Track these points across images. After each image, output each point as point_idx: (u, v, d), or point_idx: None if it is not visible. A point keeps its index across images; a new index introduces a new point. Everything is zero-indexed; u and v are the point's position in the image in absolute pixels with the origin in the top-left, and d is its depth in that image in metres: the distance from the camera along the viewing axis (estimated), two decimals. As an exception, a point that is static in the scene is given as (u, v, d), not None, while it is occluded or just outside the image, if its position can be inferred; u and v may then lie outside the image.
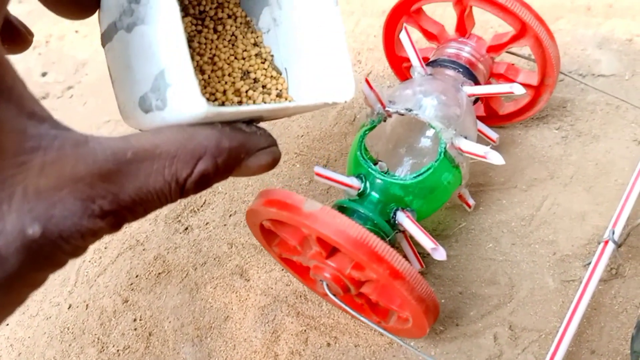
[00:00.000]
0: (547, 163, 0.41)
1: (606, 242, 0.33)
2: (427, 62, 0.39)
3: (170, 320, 0.37)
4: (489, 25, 0.49)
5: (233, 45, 0.27)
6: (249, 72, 0.27)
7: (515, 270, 0.36)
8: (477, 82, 0.38)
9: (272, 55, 0.28)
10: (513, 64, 0.41)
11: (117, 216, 0.19)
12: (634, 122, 0.42)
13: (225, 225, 0.41)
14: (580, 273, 0.35)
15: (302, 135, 0.46)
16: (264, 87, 0.28)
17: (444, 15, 0.50)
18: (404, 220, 0.31)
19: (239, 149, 0.22)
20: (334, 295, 0.31)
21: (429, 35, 0.41)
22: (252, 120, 0.24)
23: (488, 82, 0.40)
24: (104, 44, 0.24)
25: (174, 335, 0.36)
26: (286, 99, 0.28)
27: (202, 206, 0.43)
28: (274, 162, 0.23)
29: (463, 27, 0.39)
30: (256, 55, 0.28)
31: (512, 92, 0.34)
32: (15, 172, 0.17)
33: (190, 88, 0.20)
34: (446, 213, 0.39)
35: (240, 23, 0.28)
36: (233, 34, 0.28)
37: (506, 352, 0.33)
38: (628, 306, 0.34)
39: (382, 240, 0.27)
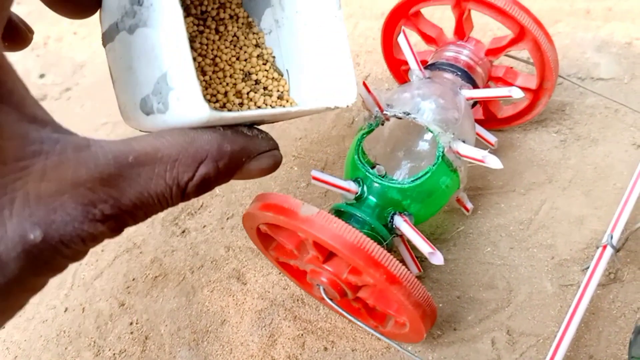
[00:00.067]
0: (545, 167, 0.40)
1: (604, 247, 0.33)
2: (426, 66, 0.39)
3: (166, 323, 0.37)
4: (487, 28, 0.49)
5: (235, 46, 0.27)
6: (250, 74, 0.27)
7: (514, 275, 0.36)
8: (475, 86, 0.37)
9: (273, 57, 0.28)
10: (512, 68, 0.40)
11: (118, 220, 0.19)
12: (632, 126, 0.42)
13: (222, 228, 0.41)
14: (579, 277, 0.35)
15: (300, 138, 0.46)
16: (265, 88, 0.28)
17: (443, 18, 0.50)
18: (402, 224, 0.31)
19: (241, 152, 0.22)
20: (331, 299, 0.31)
21: (428, 39, 0.41)
22: (253, 123, 0.24)
23: (487, 86, 0.40)
24: (104, 44, 0.24)
25: (170, 339, 0.36)
26: (287, 101, 0.28)
27: (199, 209, 0.42)
28: (275, 166, 0.23)
29: (462, 31, 0.39)
30: (258, 56, 0.28)
31: (511, 96, 0.34)
32: (17, 177, 0.17)
33: (193, 93, 0.20)
34: (444, 217, 0.39)
35: (242, 24, 0.28)
36: (235, 35, 0.27)
37: (504, 357, 0.33)
38: (626, 311, 0.33)
39: (380, 245, 0.27)
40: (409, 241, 0.33)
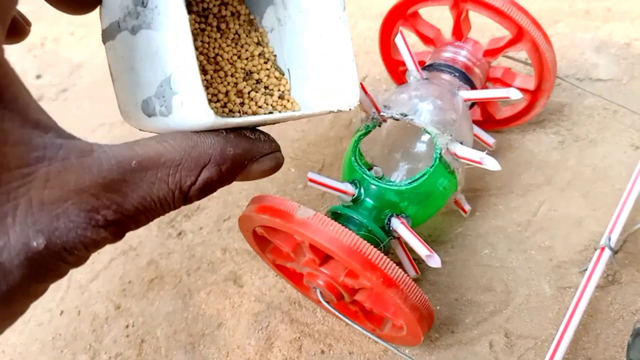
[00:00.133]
0: (544, 168, 0.40)
1: (602, 249, 0.33)
2: (423, 66, 0.38)
3: (162, 326, 0.37)
4: (486, 29, 0.49)
5: (236, 44, 0.27)
6: (251, 72, 0.27)
7: (512, 277, 0.36)
8: (473, 87, 0.37)
9: (274, 55, 0.28)
10: (510, 68, 0.40)
11: (121, 226, 0.19)
12: (631, 127, 0.41)
13: (219, 230, 0.41)
14: (577, 279, 0.35)
15: (298, 139, 0.45)
16: (266, 87, 0.27)
17: (441, 18, 0.50)
18: (399, 226, 0.31)
19: (243, 155, 0.22)
20: (328, 302, 0.31)
21: (425, 39, 0.41)
22: (256, 126, 0.24)
23: (484, 87, 0.40)
24: (104, 41, 0.24)
25: (166, 342, 0.36)
26: (288, 101, 0.27)
27: (195, 211, 0.42)
28: (276, 167, 0.24)
29: (459, 31, 0.38)
30: (259, 55, 0.27)
31: (509, 97, 0.34)
32: (20, 183, 0.17)
33: (198, 99, 0.20)
34: (442, 219, 0.39)
35: (244, 21, 0.28)
36: (236, 32, 0.27)
37: (502, 360, 0.32)
38: (624, 313, 0.33)
39: (377, 247, 0.27)
40: (406, 243, 0.32)
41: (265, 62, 0.28)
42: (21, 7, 0.21)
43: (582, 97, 0.44)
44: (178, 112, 0.21)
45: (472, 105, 0.38)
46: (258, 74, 0.27)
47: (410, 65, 0.36)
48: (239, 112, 0.26)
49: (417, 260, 0.35)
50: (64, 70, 0.57)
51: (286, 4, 0.27)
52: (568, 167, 0.40)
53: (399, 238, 0.33)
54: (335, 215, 0.32)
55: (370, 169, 0.33)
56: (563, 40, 0.48)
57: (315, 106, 0.26)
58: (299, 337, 0.35)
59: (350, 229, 0.27)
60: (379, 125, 0.34)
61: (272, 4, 0.28)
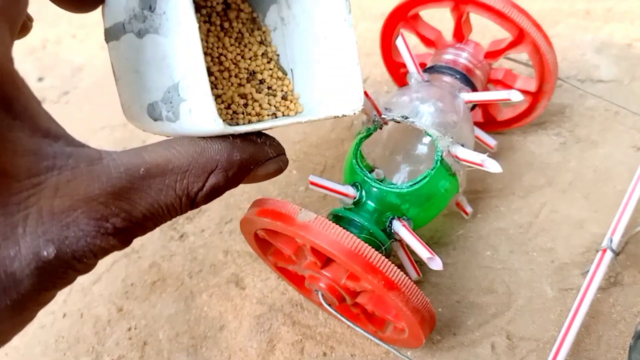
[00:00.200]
0: (545, 169, 0.40)
1: (604, 250, 0.33)
2: (424, 68, 0.38)
3: (165, 329, 0.37)
4: (487, 31, 0.49)
5: (239, 43, 0.27)
6: (254, 73, 0.27)
7: (513, 279, 0.36)
8: (474, 89, 0.37)
9: (277, 55, 0.28)
10: (511, 70, 0.40)
11: (129, 233, 0.19)
12: (633, 128, 0.41)
13: (220, 232, 0.41)
14: (579, 281, 0.35)
15: (299, 141, 0.45)
16: (269, 88, 0.27)
17: (442, 20, 0.50)
18: (400, 229, 0.31)
19: (249, 160, 0.22)
20: (330, 305, 0.31)
21: (426, 41, 0.41)
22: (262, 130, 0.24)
23: (486, 89, 0.40)
24: (107, 40, 0.24)
25: (168, 345, 0.36)
26: (291, 102, 0.27)
27: (197, 213, 0.42)
28: (281, 170, 0.24)
29: (460, 33, 0.38)
30: (262, 54, 0.27)
31: (510, 99, 0.34)
32: (30, 193, 0.17)
33: (207, 107, 0.20)
34: (443, 221, 0.39)
35: (246, 19, 0.27)
36: (239, 31, 0.27)
37: (504, 362, 0.32)
38: (626, 315, 0.33)
39: (378, 250, 0.27)
40: (407, 246, 0.32)
41: (269, 62, 0.27)
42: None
43: (584, 98, 0.44)
44: (186, 119, 0.21)
45: (473, 107, 0.38)
46: (261, 74, 0.27)
47: (411, 67, 0.36)
48: (243, 113, 0.25)
49: (419, 263, 0.35)
50: (66, 72, 0.57)
51: (290, 3, 0.27)
52: (569, 169, 0.40)
53: (400, 240, 0.33)
54: (337, 218, 0.32)
55: (371, 171, 0.33)
56: (564, 42, 0.48)
57: (318, 109, 0.26)
58: (301, 340, 0.35)
59: (351, 232, 0.27)
60: (380, 128, 0.34)
61: (276, 3, 0.27)
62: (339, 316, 0.31)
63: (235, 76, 0.26)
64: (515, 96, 0.34)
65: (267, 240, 0.32)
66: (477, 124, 0.40)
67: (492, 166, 0.31)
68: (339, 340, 0.35)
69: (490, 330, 0.34)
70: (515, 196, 0.39)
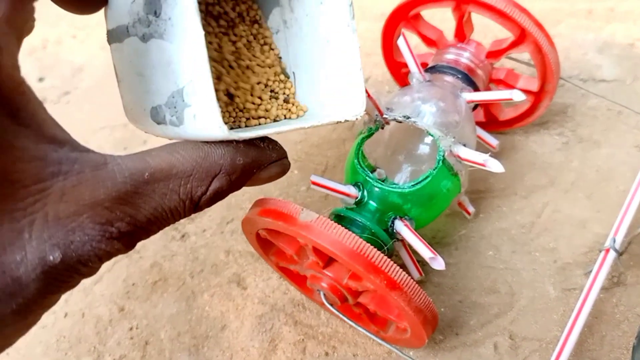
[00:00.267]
0: (547, 169, 0.40)
1: (607, 250, 0.33)
2: (426, 68, 0.38)
3: (166, 329, 0.37)
4: (488, 30, 0.49)
5: (247, 49, 0.27)
6: (259, 75, 0.27)
7: (516, 279, 0.36)
8: (476, 88, 0.37)
9: (280, 58, 0.28)
10: (513, 70, 0.40)
11: (133, 236, 0.19)
12: (635, 128, 0.41)
13: (222, 232, 0.41)
14: (582, 281, 0.35)
15: (301, 141, 0.45)
16: (272, 91, 0.27)
17: (443, 20, 0.50)
18: (402, 229, 0.31)
19: (252, 164, 0.22)
20: (332, 305, 0.31)
21: (428, 41, 0.41)
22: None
23: (487, 88, 0.40)
24: (110, 42, 0.24)
25: (170, 344, 0.36)
26: (293, 104, 0.27)
27: (199, 213, 0.42)
28: (283, 173, 0.24)
29: (462, 33, 0.38)
30: (266, 57, 0.27)
31: (512, 99, 0.34)
32: (36, 199, 0.17)
33: (212, 113, 0.20)
34: (445, 220, 0.39)
35: (250, 21, 0.27)
36: (245, 34, 0.27)
37: (506, 362, 0.32)
38: (630, 315, 0.33)
39: (380, 250, 0.27)
40: (409, 246, 0.32)
41: (271, 67, 0.27)
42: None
43: (586, 98, 0.43)
44: (190, 124, 0.21)
45: (475, 107, 0.38)
46: (264, 76, 0.27)
47: (412, 67, 0.36)
48: (247, 117, 0.25)
49: (421, 263, 0.35)
50: (66, 72, 0.57)
51: (293, 7, 0.27)
52: (572, 169, 0.40)
53: (402, 240, 0.33)
54: (339, 218, 0.32)
55: (373, 171, 0.33)
56: (566, 41, 0.48)
57: (320, 113, 0.26)
58: (302, 339, 0.35)
59: (353, 232, 0.27)
60: (382, 128, 0.34)
61: (279, 6, 0.27)
62: (341, 316, 0.31)
63: (242, 81, 0.26)
64: (517, 96, 0.34)
65: (268, 240, 0.32)
66: (479, 123, 0.40)
67: (494, 166, 0.31)
68: (341, 340, 0.35)
69: (493, 330, 0.34)
70: (517, 196, 0.39)
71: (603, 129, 0.42)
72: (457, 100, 0.35)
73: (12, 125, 0.16)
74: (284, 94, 0.27)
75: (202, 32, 0.19)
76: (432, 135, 0.32)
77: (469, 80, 0.37)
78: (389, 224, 0.31)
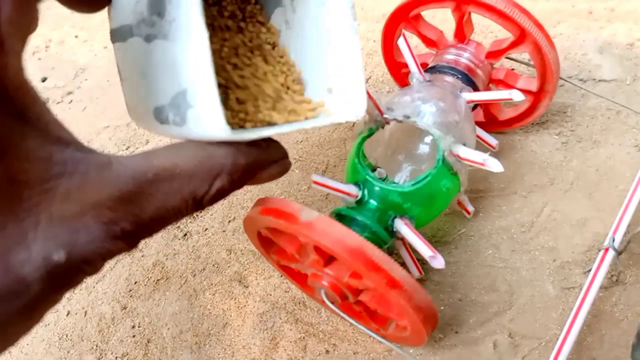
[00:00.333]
0: (547, 169, 0.40)
1: (606, 249, 0.33)
2: (426, 69, 0.39)
3: (168, 327, 0.37)
4: (488, 30, 0.49)
5: (252, 52, 0.27)
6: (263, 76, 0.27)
7: (515, 277, 0.36)
8: (476, 88, 0.37)
9: (289, 57, 0.28)
10: (512, 70, 0.40)
11: (136, 235, 0.20)
12: (635, 128, 0.41)
13: (224, 231, 0.41)
14: (581, 280, 0.35)
15: (302, 141, 0.46)
16: (281, 88, 0.27)
17: (444, 20, 0.50)
18: (402, 227, 0.31)
19: (254, 164, 0.22)
20: (332, 302, 0.31)
21: (428, 41, 0.41)
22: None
23: (487, 88, 0.40)
24: (113, 41, 0.24)
25: (172, 342, 0.36)
26: (302, 104, 0.27)
27: (201, 212, 0.43)
28: (284, 172, 0.24)
29: (462, 33, 0.39)
30: (273, 57, 0.27)
31: (512, 99, 0.34)
32: (41, 199, 0.17)
33: (215, 115, 0.20)
34: (445, 219, 0.39)
35: (257, 21, 0.27)
36: (250, 33, 0.27)
37: (506, 360, 0.33)
38: (629, 313, 0.33)
39: (380, 248, 0.27)
40: (409, 244, 0.33)
41: (277, 66, 0.28)
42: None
43: (586, 98, 0.44)
44: (193, 125, 0.21)
45: (474, 107, 0.39)
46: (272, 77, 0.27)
47: (413, 67, 0.37)
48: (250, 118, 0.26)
49: (421, 261, 0.35)
50: (69, 73, 0.58)
51: (295, 8, 0.27)
52: (571, 168, 0.40)
53: (402, 239, 0.33)
54: (339, 217, 0.32)
55: (373, 170, 0.33)
56: (566, 41, 0.48)
57: (320, 114, 0.26)
58: (303, 337, 0.35)
59: (354, 230, 0.27)
60: (382, 127, 0.34)
61: (281, 6, 0.27)
62: (341, 314, 0.31)
63: (250, 82, 0.26)
64: (517, 96, 0.34)
65: (270, 238, 0.32)
66: (478, 123, 0.40)
67: (493, 165, 0.31)
68: (342, 338, 0.35)
69: (493, 328, 0.34)
70: (517, 195, 0.39)
71: (602, 129, 0.42)
72: (457, 100, 0.35)
73: (18, 126, 0.17)
74: (290, 92, 0.27)
75: (207, 34, 0.19)
76: (432, 135, 0.33)
77: (469, 80, 0.37)
78: (389, 222, 0.32)
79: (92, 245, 0.18)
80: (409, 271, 0.33)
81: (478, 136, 0.37)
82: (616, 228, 0.34)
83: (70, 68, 0.58)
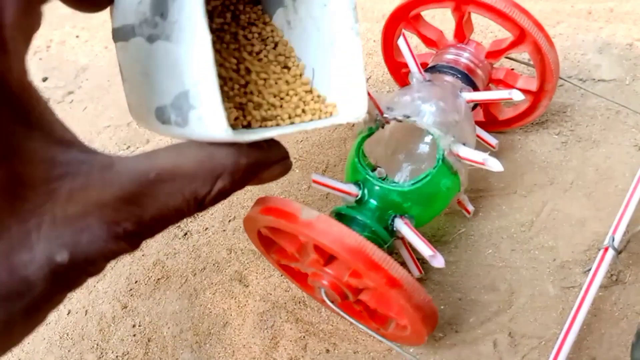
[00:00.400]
0: (547, 169, 0.40)
1: (606, 249, 0.33)
2: (426, 68, 0.39)
3: (169, 326, 0.37)
4: (488, 30, 0.49)
5: (257, 53, 0.27)
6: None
7: (515, 277, 0.36)
8: (475, 88, 0.37)
9: (295, 58, 0.28)
10: (512, 70, 0.40)
11: (139, 236, 0.20)
12: (634, 128, 0.41)
13: (224, 230, 0.41)
14: (581, 279, 0.35)
15: (302, 141, 0.46)
16: (287, 92, 0.27)
17: (443, 20, 0.50)
18: (402, 227, 0.31)
19: (255, 164, 0.23)
20: (332, 302, 0.31)
21: (428, 41, 0.41)
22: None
23: (487, 88, 0.40)
24: (115, 40, 0.24)
25: (173, 342, 0.36)
26: (308, 105, 0.27)
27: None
28: (285, 172, 0.24)
29: (462, 33, 0.39)
30: (278, 56, 0.27)
31: (511, 98, 0.34)
32: (44, 200, 0.17)
33: (217, 116, 0.20)
34: (445, 219, 0.39)
35: (263, 23, 0.27)
36: (253, 34, 0.27)
37: (506, 359, 0.33)
38: (628, 313, 0.33)
39: (380, 248, 0.27)
40: (409, 244, 0.33)
41: (284, 67, 0.28)
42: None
43: (585, 97, 0.44)
44: (195, 126, 0.21)
45: (474, 107, 0.39)
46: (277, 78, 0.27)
47: (412, 67, 0.37)
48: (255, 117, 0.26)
49: (421, 261, 0.35)
50: (70, 73, 0.58)
51: (297, 8, 0.27)
52: (571, 168, 0.40)
53: (402, 238, 0.33)
54: (339, 216, 0.32)
55: (373, 170, 0.33)
56: (565, 41, 0.48)
57: (326, 120, 0.26)
58: (304, 337, 0.35)
59: (354, 230, 0.27)
60: (382, 127, 0.34)
61: (283, 6, 0.27)
62: (341, 313, 0.31)
63: (255, 83, 0.26)
64: (517, 95, 0.34)
65: (270, 238, 0.32)
66: (478, 123, 0.40)
67: (493, 165, 0.31)
68: (342, 337, 0.35)
69: (492, 327, 0.34)
70: (516, 195, 0.40)
71: (602, 129, 0.42)
72: (457, 99, 0.35)
73: (22, 128, 0.17)
74: (296, 94, 0.27)
75: (209, 36, 0.19)
76: (432, 135, 0.33)
77: (469, 80, 0.37)
78: (389, 222, 0.32)
79: (95, 245, 0.18)
80: (409, 270, 0.33)
81: (478, 136, 0.37)
82: (616, 227, 0.34)
83: (71, 68, 0.58)
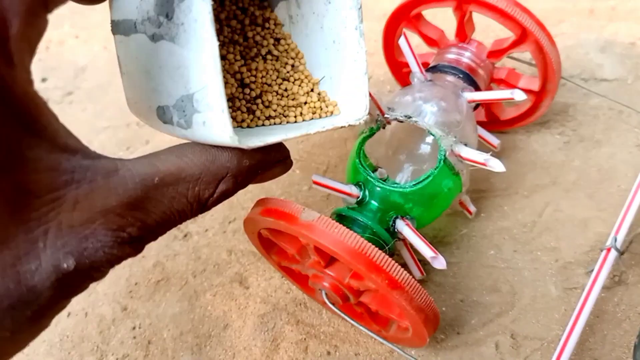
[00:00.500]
0: (549, 169, 0.40)
1: (609, 250, 0.33)
2: (427, 68, 0.38)
3: (169, 328, 0.37)
4: (489, 30, 0.49)
5: (263, 56, 0.27)
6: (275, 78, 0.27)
7: (517, 278, 0.36)
8: (477, 88, 0.37)
9: (302, 58, 0.28)
10: (514, 69, 0.40)
11: (142, 240, 0.20)
12: (637, 127, 0.41)
13: (224, 232, 0.41)
14: (583, 280, 0.35)
15: (302, 141, 0.46)
16: (286, 90, 0.27)
17: (445, 19, 0.50)
18: (404, 228, 0.31)
19: (257, 165, 0.23)
20: (333, 304, 0.31)
21: (429, 41, 0.41)
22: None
23: (489, 88, 0.40)
24: (114, 32, 0.23)
25: (173, 344, 0.36)
26: (317, 105, 0.27)
27: (201, 213, 0.42)
28: (285, 171, 0.25)
29: (463, 33, 0.38)
30: (283, 54, 0.27)
31: (513, 98, 0.34)
32: (50, 208, 0.17)
33: (223, 123, 0.20)
34: (447, 220, 0.39)
35: (264, 19, 0.27)
36: (256, 34, 0.27)
37: (508, 361, 0.32)
38: (631, 314, 0.33)
39: (382, 249, 0.27)
40: (411, 245, 0.32)
41: (292, 67, 0.27)
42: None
43: (587, 97, 0.43)
44: (198, 129, 0.21)
45: (476, 107, 0.38)
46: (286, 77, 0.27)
47: (414, 67, 0.36)
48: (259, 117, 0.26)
49: (422, 262, 0.35)
50: (69, 73, 0.58)
51: (300, 3, 0.26)
52: (573, 168, 0.40)
53: (404, 240, 0.33)
54: (340, 218, 0.32)
55: (374, 170, 0.33)
56: (567, 41, 0.48)
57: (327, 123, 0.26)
58: (304, 339, 0.35)
59: (355, 231, 0.27)
60: (383, 127, 0.34)
61: (285, 0, 0.27)
62: (342, 315, 0.31)
63: (261, 85, 0.26)
64: (519, 95, 0.34)
65: (270, 239, 0.32)
66: (480, 123, 0.40)
67: (495, 165, 0.31)
68: (343, 339, 0.35)
69: (494, 329, 0.34)
70: (518, 195, 0.39)
71: (604, 129, 0.42)
72: (459, 99, 0.35)
73: (26, 136, 0.17)
74: (301, 92, 0.27)
75: (217, 43, 0.19)
76: (433, 135, 0.32)
77: (470, 80, 0.37)
78: (391, 223, 0.32)
79: (101, 252, 0.18)
80: (410, 272, 0.32)
81: (480, 136, 0.37)
82: (618, 228, 0.33)
83: (70, 68, 0.58)
